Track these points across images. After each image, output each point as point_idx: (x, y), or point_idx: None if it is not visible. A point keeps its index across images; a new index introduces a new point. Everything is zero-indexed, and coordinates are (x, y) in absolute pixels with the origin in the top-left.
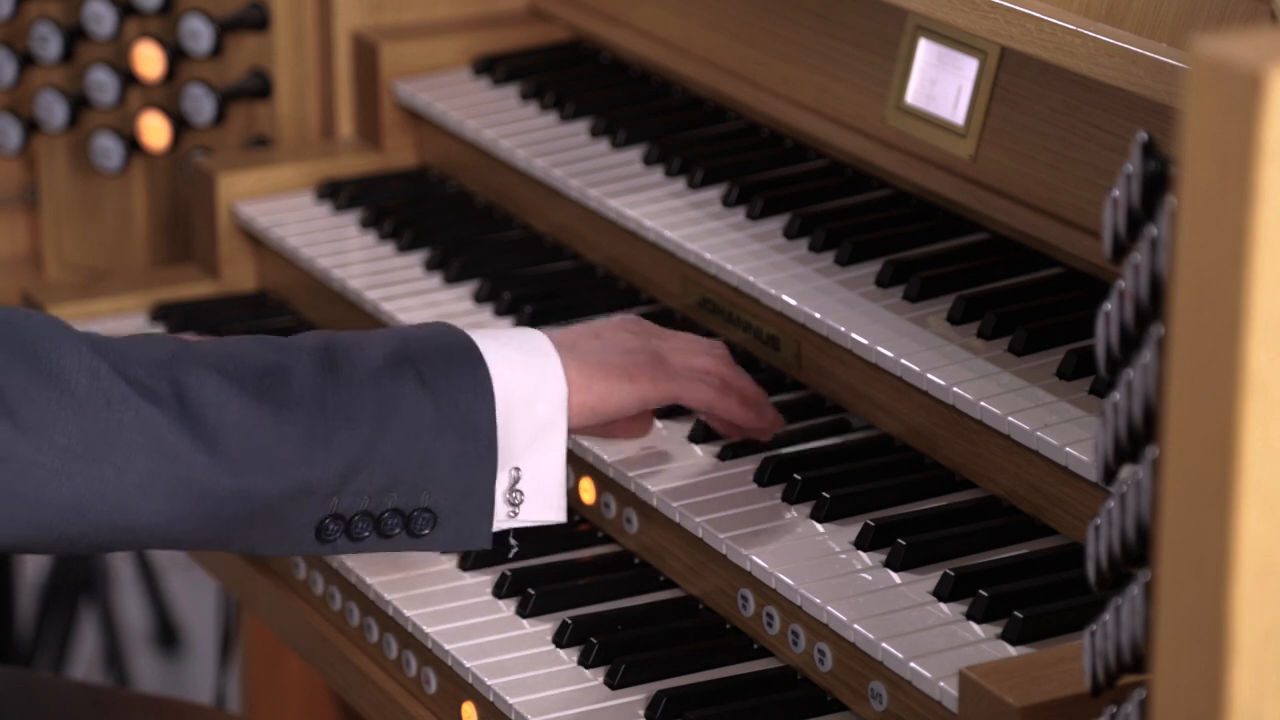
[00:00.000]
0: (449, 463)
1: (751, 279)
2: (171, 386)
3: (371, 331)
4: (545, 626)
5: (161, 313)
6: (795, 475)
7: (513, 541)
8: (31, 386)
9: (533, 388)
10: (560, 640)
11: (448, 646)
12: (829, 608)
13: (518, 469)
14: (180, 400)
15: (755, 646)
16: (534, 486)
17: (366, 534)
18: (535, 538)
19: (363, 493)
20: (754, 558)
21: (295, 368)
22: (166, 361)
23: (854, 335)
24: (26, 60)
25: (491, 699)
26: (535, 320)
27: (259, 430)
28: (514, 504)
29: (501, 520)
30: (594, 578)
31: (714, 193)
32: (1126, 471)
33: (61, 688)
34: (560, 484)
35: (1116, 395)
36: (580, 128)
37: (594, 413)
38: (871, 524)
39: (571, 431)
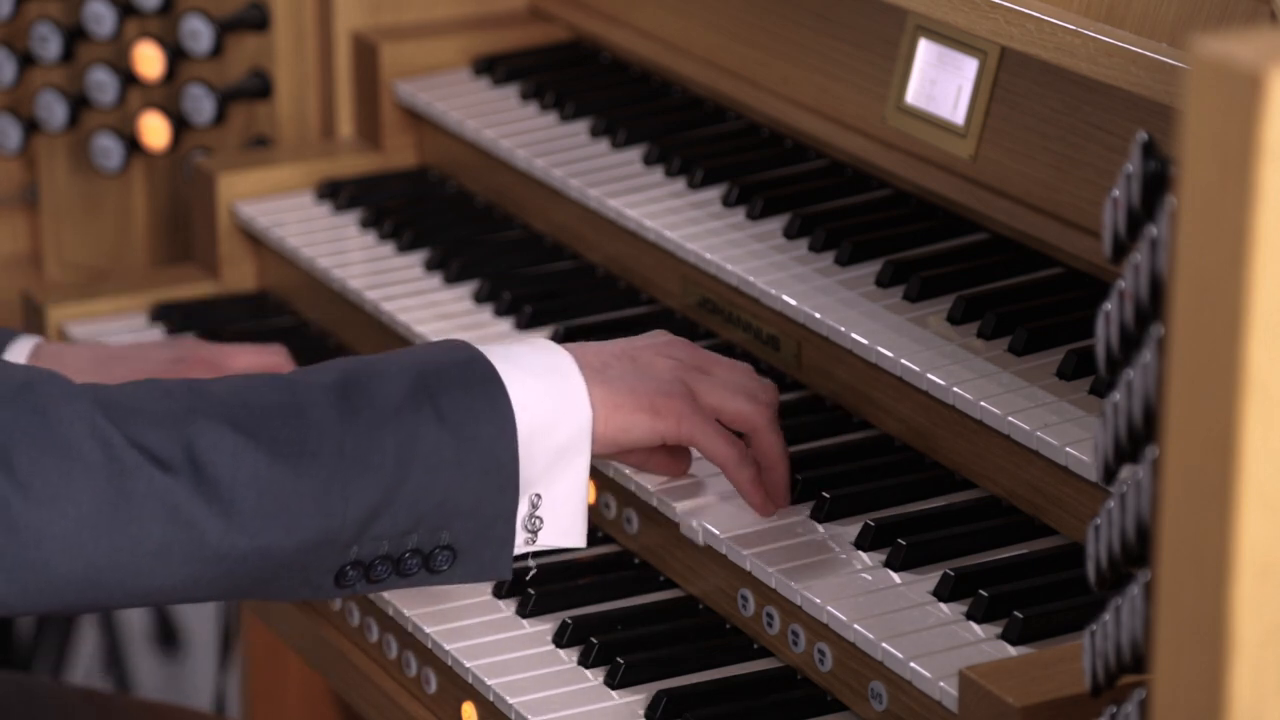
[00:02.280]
0: (470, 499)
1: (751, 279)
2: (185, 450)
3: (390, 357)
4: (545, 626)
5: (161, 313)
6: (796, 475)
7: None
8: (44, 457)
9: (555, 413)
10: (560, 640)
11: (448, 646)
12: (829, 608)
13: (538, 495)
14: (194, 464)
15: (755, 646)
16: (554, 512)
17: (386, 575)
18: None
19: (382, 538)
20: (754, 558)
21: (311, 412)
22: (179, 419)
23: (854, 335)
24: (26, 60)
25: (491, 699)
26: (535, 320)
27: (275, 488)
28: (533, 530)
29: (520, 547)
30: (594, 578)
31: (714, 193)
32: (1126, 471)
33: (61, 691)
34: (581, 510)
35: (1116, 395)
36: (580, 128)
37: (611, 443)
38: (871, 524)
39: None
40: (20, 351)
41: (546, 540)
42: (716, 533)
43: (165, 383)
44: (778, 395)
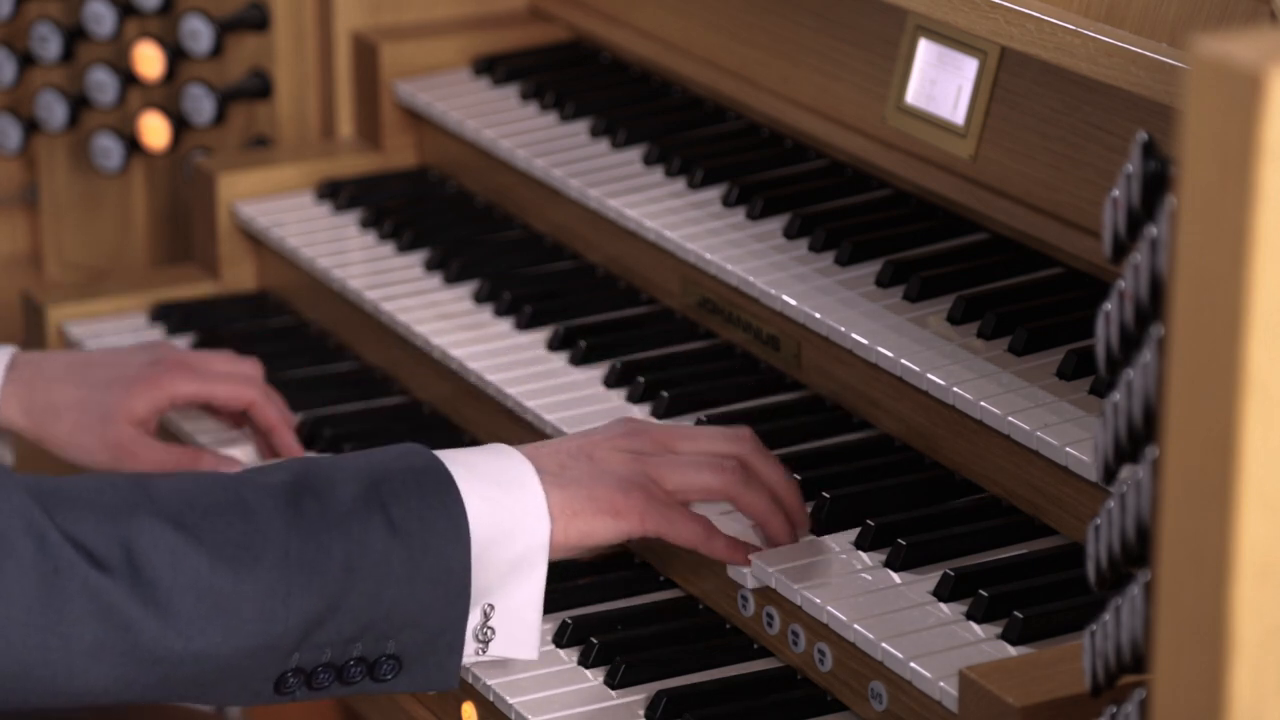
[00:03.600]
0: (419, 609)
1: (751, 279)
2: (122, 548)
3: (343, 460)
4: (545, 626)
5: (161, 313)
6: (795, 475)
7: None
8: None
9: (511, 524)
10: (560, 640)
11: None
12: (829, 608)
13: (491, 606)
14: (132, 565)
15: (755, 646)
16: (506, 623)
17: (329, 684)
18: None
19: (325, 645)
20: (754, 559)
21: (258, 514)
22: (120, 515)
23: (854, 335)
24: (26, 60)
25: (491, 699)
26: (535, 320)
27: (214, 591)
28: (483, 640)
29: (469, 656)
30: (594, 578)
31: (714, 193)
32: (1126, 471)
33: None
34: (535, 622)
35: (1116, 395)
36: (580, 128)
37: (573, 549)
38: (871, 524)
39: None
40: None
41: (497, 651)
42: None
43: (110, 476)
44: (751, 438)
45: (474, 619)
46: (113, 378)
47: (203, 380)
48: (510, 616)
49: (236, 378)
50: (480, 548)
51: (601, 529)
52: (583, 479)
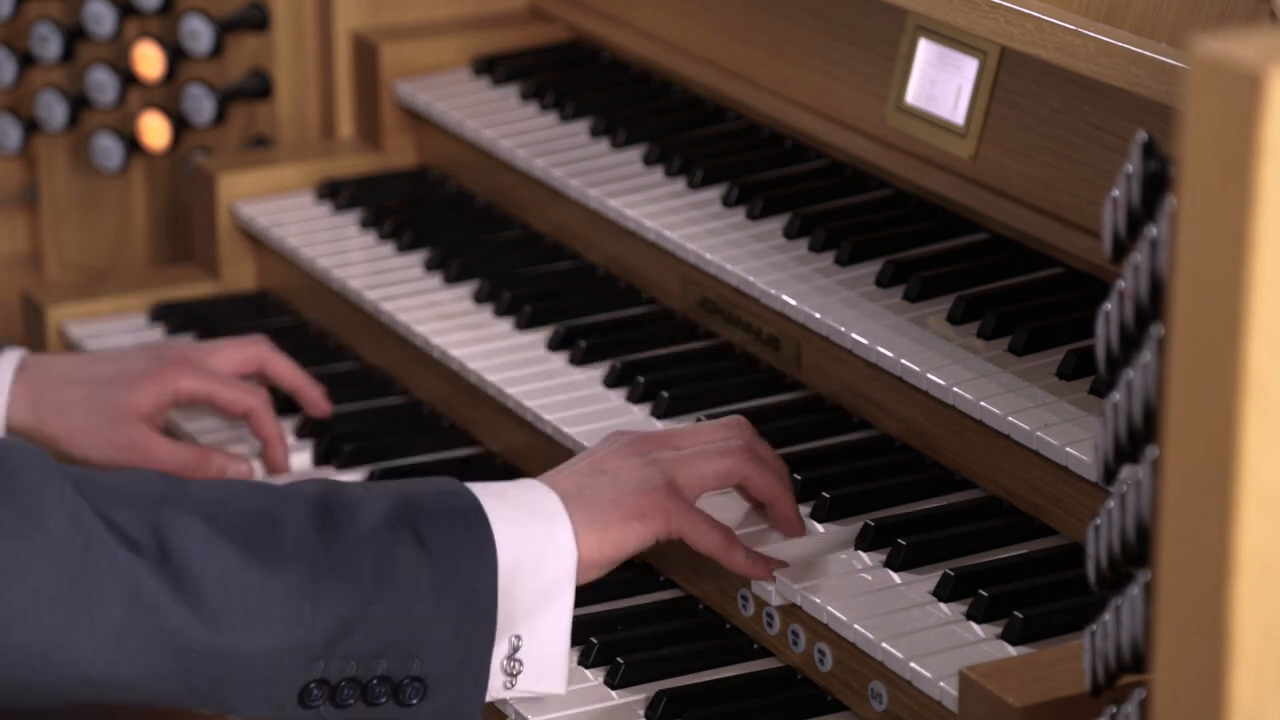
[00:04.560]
0: (445, 630)
1: (751, 279)
2: (154, 534)
3: (374, 485)
4: None
5: (161, 313)
6: (795, 475)
7: None
8: (7, 522)
9: (539, 552)
10: None
11: None
12: (829, 608)
13: (518, 637)
14: (162, 549)
15: (755, 646)
16: (534, 655)
17: (352, 701)
18: None
19: (350, 657)
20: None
21: (288, 518)
22: (153, 504)
23: (854, 335)
24: (26, 60)
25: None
26: (535, 320)
27: (243, 585)
28: (511, 674)
29: (496, 690)
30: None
31: (714, 193)
32: (1126, 471)
33: None
34: (563, 654)
35: (1116, 395)
36: (580, 128)
37: (611, 561)
38: (871, 524)
39: (582, 583)
40: (6, 365)
41: (525, 685)
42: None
43: (144, 471)
44: (748, 426)
45: (501, 650)
46: (117, 374)
47: (207, 379)
48: (538, 648)
49: (238, 375)
50: (507, 575)
51: (633, 536)
52: (603, 492)
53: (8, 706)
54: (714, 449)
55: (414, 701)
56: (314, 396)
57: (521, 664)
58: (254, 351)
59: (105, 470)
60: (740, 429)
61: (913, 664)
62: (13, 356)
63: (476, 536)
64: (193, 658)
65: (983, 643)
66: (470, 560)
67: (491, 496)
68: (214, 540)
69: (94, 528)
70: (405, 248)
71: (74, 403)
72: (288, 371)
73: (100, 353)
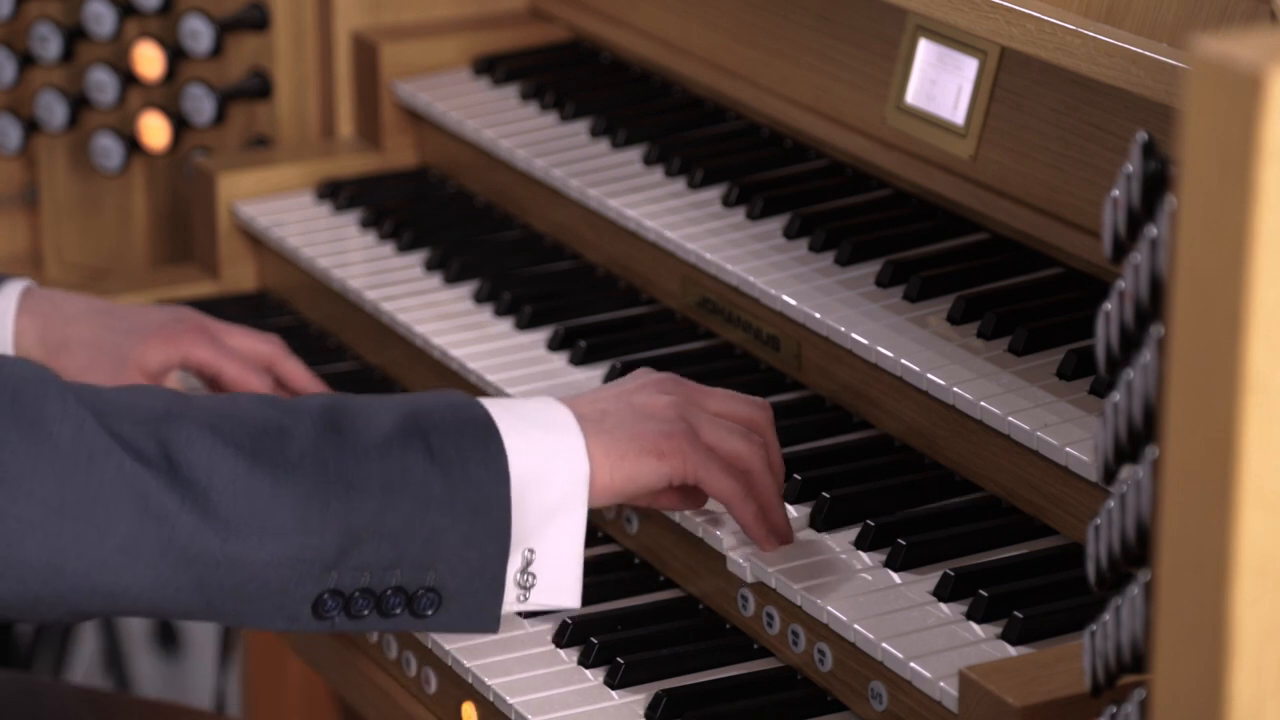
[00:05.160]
0: (458, 540)
1: (751, 279)
2: (160, 444)
3: (383, 396)
4: (545, 626)
5: None
6: (795, 475)
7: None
8: (12, 435)
9: (550, 465)
10: (560, 640)
11: (448, 646)
12: (829, 608)
13: (531, 550)
14: (169, 458)
15: (755, 646)
16: (548, 568)
17: (367, 612)
18: None
19: (364, 568)
20: (754, 558)
21: (296, 429)
22: (158, 417)
23: (854, 335)
24: (26, 60)
25: (491, 699)
26: (535, 320)
27: (252, 493)
28: (525, 586)
29: (510, 603)
30: (594, 578)
31: (714, 193)
32: (1126, 471)
33: (61, 691)
34: (577, 568)
35: (1116, 395)
36: (580, 128)
37: (619, 493)
38: (871, 524)
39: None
40: (10, 293)
41: (539, 599)
42: (716, 533)
43: (148, 386)
44: (770, 412)
45: (515, 563)
46: (131, 326)
47: (218, 351)
48: (551, 561)
49: (249, 361)
50: (520, 486)
51: (648, 470)
52: (624, 422)
53: (23, 620)
54: (738, 429)
55: (429, 612)
56: None
57: (535, 577)
58: (268, 348)
59: (108, 387)
60: (763, 411)
61: (913, 664)
62: (17, 285)
63: (488, 447)
64: (203, 567)
65: (983, 643)
66: (482, 469)
67: (503, 409)
68: (221, 450)
69: (99, 439)
70: (405, 248)
71: (82, 342)
72: (300, 374)
73: (117, 305)
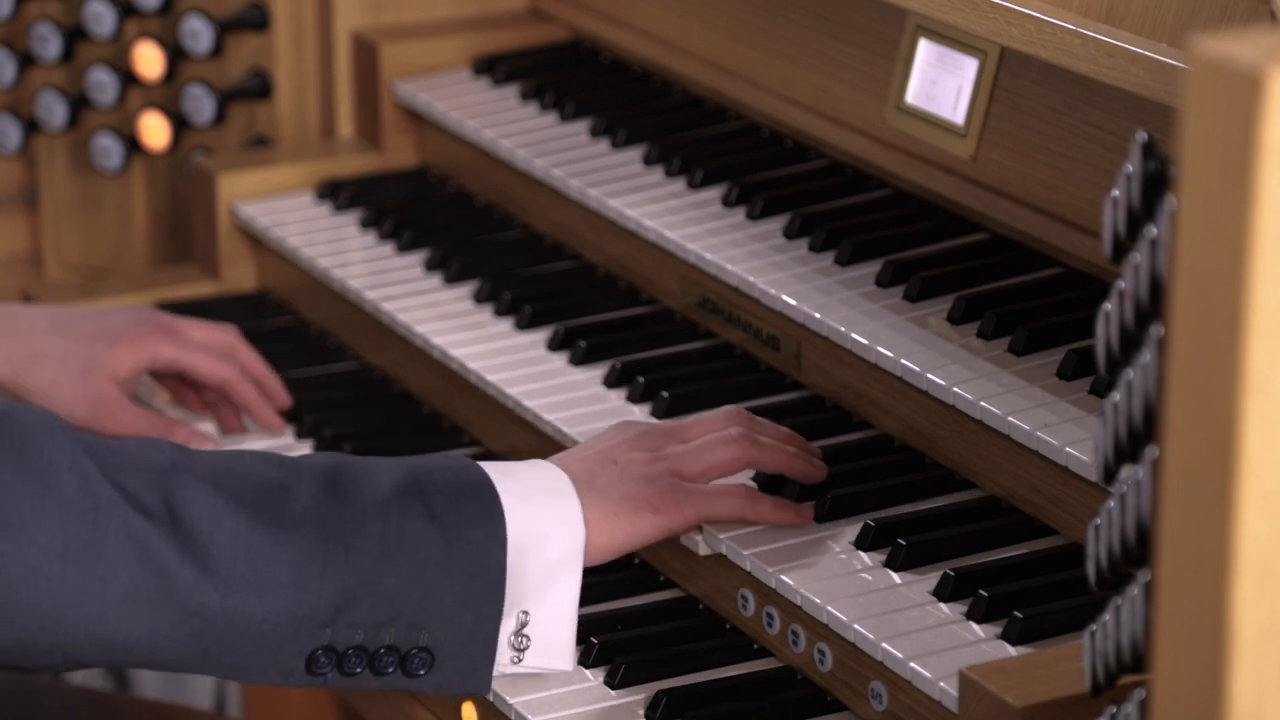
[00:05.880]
0: (453, 601)
1: (751, 279)
2: (163, 498)
3: (384, 459)
4: None
5: None
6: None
7: None
8: (18, 482)
9: (548, 528)
10: None
11: None
12: (829, 608)
13: (526, 613)
14: (172, 513)
15: (755, 646)
16: (542, 632)
17: (360, 670)
18: None
19: (358, 626)
20: (754, 558)
21: (298, 487)
22: (162, 471)
23: (854, 335)
24: (26, 60)
25: (491, 699)
26: (535, 320)
27: (252, 549)
28: (519, 649)
29: (504, 665)
30: (594, 578)
31: (714, 193)
32: (1126, 471)
33: (61, 691)
34: (571, 632)
35: (1116, 395)
36: (580, 128)
37: (620, 550)
38: (871, 524)
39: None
40: None
41: (533, 661)
42: (716, 533)
43: (153, 439)
44: (744, 413)
45: (509, 625)
46: (95, 332)
47: (183, 347)
48: (546, 625)
49: (215, 352)
50: (516, 550)
51: (646, 525)
52: (614, 482)
53: (20, 667)
54: (717, 439)
55: (421, 672)
56: (277, 388)
57: (529, 639)
58: (227, 338)
59: (113, 438)
60: (736, 416)
61: (913, 664)
62: None
63: (486, 511)
64: (201, 620)
65: (983, 643)
66: (480, 533)
67: (502, 473)
68: (223, 506)
69: (104, 490)
70: (405, 248)
71: (48, 354)
72: (254, 361)
73: (76, 308)
